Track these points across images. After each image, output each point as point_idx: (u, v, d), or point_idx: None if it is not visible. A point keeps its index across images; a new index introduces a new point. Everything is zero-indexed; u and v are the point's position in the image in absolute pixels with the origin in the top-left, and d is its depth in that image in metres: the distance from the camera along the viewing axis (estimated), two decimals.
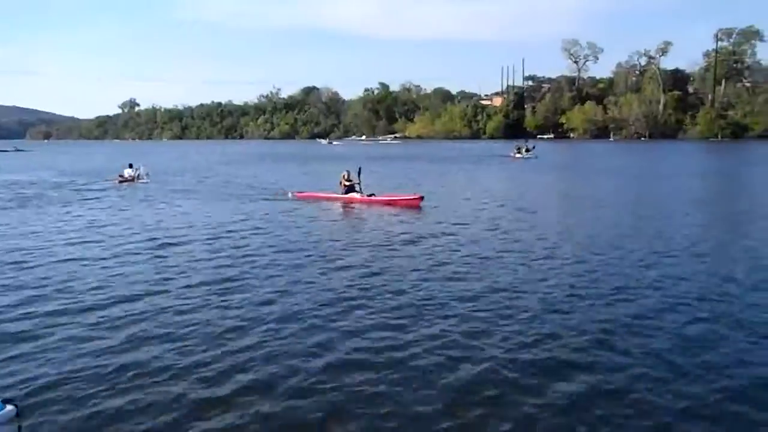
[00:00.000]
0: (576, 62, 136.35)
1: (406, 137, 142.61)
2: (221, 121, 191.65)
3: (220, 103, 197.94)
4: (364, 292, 9.49)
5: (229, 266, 11.26)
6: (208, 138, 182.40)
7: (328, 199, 21.86)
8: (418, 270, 10.89)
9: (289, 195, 23.02)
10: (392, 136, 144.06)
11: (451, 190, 26.63)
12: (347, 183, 21.62)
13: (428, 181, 31.12)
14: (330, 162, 50.23)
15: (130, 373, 6.38)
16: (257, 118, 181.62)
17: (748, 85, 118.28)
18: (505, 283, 9.99)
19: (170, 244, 13.62)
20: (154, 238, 14.34)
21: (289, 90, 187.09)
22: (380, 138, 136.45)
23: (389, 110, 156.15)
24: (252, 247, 13.14)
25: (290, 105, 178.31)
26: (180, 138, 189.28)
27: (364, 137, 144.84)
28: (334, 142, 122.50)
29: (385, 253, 12.47)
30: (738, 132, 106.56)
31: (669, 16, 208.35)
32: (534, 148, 55.90)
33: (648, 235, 14.27)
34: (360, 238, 14.38)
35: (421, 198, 20.06)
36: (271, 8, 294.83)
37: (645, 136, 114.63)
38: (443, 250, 12.71)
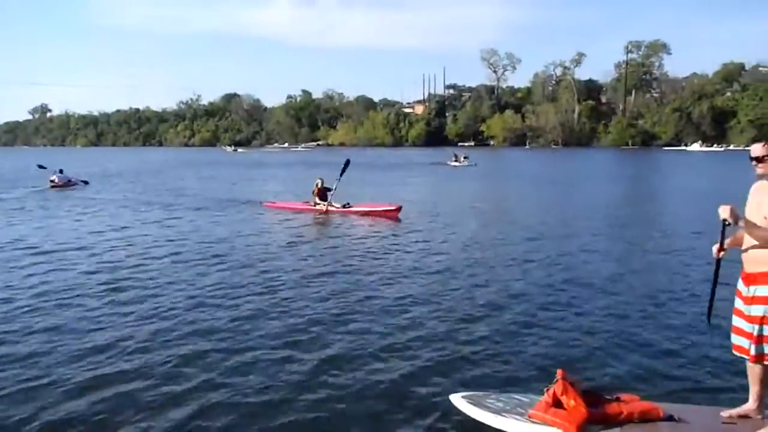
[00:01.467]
0: (495, 72, 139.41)
1: (328, 145, 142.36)
2: (139, 128, 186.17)
3: (137, 110, 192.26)
4: (337, 316, 8.35)
5: (180, 282, 10.21)
6: (125, 145, 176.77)
7: (300, 209, 20.49)
8: (400, 286, 10.03)
9: (259, 205, 21.81)
10: (314, 143, 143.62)
11: (418, 199, 25.08)
12: (321, 192, 20.08)
13: (384, 189, 29.92)
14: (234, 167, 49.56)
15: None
16: (177, 125, 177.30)
17: (656, 95, 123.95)
18: (518, 291, 9.48)
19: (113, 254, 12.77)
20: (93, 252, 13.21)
21: (209, 97, 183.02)
22: (291, 146, 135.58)
23: (312, 117, 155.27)
24: (210, 265, 11.62)
25: (211, 112, 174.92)
26: (95, 145, 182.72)
27: (286, 144, 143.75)
28: (239, 150, 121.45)
29: (363, 271, 11.21)
30: (647, 140, 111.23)
31: (582, 28, 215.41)
32: (467, 157, 56.50)
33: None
34: (331, 254, 13.01)
35: (399, 208, 19.04)
36: (191, 13, 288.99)
37: (558, 144, 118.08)
38: (429, 263, 11.84)
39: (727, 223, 4.34)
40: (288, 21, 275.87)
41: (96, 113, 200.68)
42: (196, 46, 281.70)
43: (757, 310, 4.38)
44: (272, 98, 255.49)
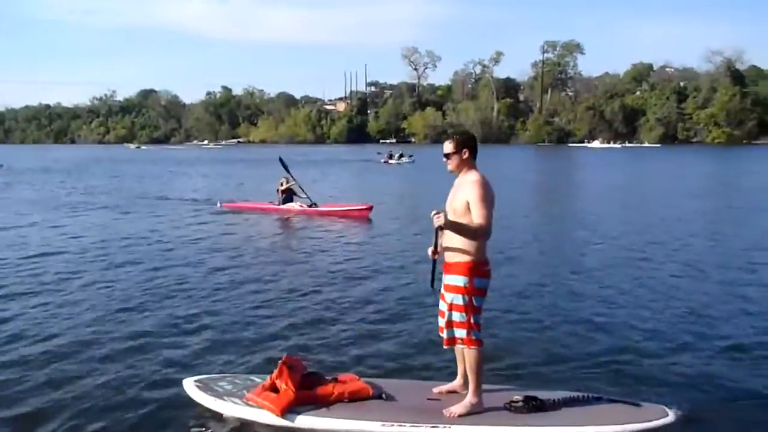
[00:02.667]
0: (416, 69, 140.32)
1: (249, 142, 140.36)
2: (50, 125, 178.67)
3: (48, 105, 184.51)
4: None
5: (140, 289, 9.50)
6: (35, 142, 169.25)
7: (262, 209, 19.53)
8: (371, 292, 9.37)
9: (217, 205, 20.50)
10: (235, 140, 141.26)
11: (376, 198, 22.41)
12: (285, 191, 19.19)
13: (330, 188, 28.54)
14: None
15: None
16: (90, 122, 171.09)
17: (571, 94, 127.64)
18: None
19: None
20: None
21: (125, 92, 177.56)
22: (203, 143, 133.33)
23: (232, 114, 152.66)
24: (158, 275, 10.56)
25: (127, 108, 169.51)
26: (2, 142, 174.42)
27: (206, 141, 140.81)
28: (142, 147, 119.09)
29: (333, 279, 10.28)
30: (563, 137, 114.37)
31: (501, 27, 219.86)
32: (403, 155, 54.94)
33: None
34: (299, 258, 12.22)
35: (371, 207, 18.00)
36: (101, 5, 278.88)
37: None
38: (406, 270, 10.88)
39: (439, 228, 4.57)
40: (206, 16, 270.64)
41: (2, 109, 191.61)
42: (109, 40, 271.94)
43: (447, 297, 4.74)
44: (191, 94, 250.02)
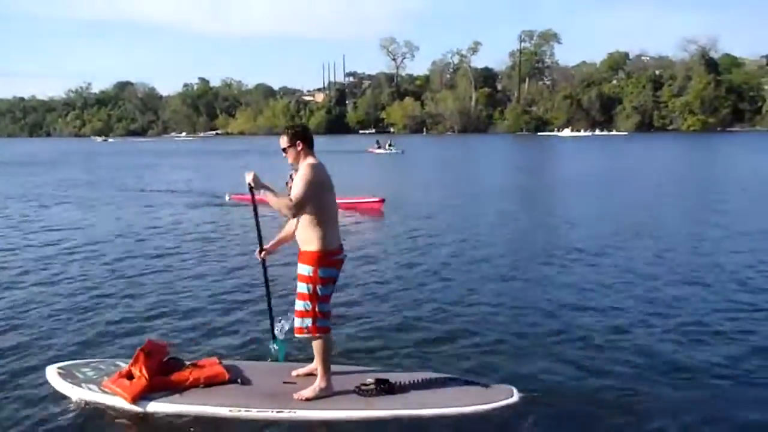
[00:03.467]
0: (394, 59, 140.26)
1: (228, 133, 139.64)
2: (24, 118, 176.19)
3: (22, 98, 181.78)
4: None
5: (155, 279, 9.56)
6: (10, 136, 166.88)
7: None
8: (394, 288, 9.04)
9: (226, 198, 20.04)
10: (213, 132, 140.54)
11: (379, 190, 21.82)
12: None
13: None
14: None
15: None
16: (66, 115, 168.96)
17: (548, 83, 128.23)
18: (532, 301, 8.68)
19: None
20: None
21: (101, 85, 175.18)
22: (180, 135, 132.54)
23: (210, 106, 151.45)
24: (174, 261, 10.84)
25: (103, 101, 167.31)
26: None
27: (183, 134, 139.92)
28: (110, 140, 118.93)
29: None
30: (541, 126, 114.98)
31: (478, 17, 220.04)
32: (392, 144, 53.98)
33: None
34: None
35: (383, 200, 17.38)
36: None
37: (454, 131, 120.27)
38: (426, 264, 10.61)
39: (251, 186, 4.91)
40: (182, 7, 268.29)
41: None
42: (84, 31, 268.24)
43: (298, 287, 4.87)
44: (168, 86, 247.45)
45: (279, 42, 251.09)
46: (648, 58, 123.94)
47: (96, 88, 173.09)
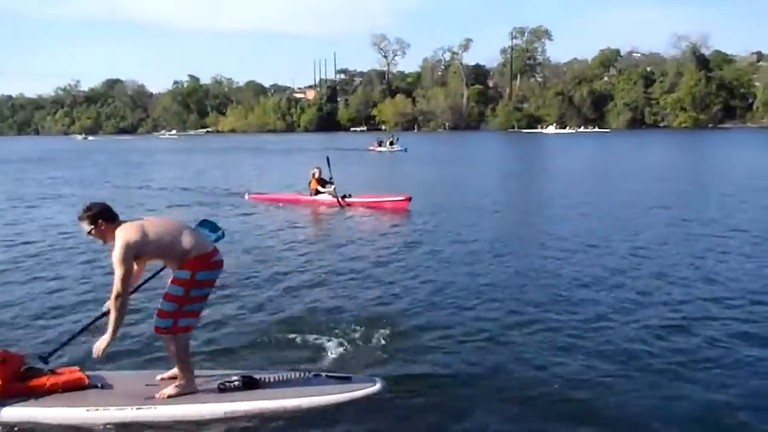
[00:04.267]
0: (385, 57, 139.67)
1: (218, 131, 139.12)
2: (12, 116, 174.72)
3: (10, 96, 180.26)
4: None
5: None
6: None
7: (292, 201, 18.46)
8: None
9: (245, 197, 19.42)
10: (204, 130, 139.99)
11: (398, 188, 20.60)
12: (318, 182, 17.98)
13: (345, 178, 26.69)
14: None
15: None
16: (55, 113, 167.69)
17: (540, 80, 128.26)
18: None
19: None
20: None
21: (90, 82, 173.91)
22: (170, 133, 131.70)
23: (200, 104, 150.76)
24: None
25: (92, 98, 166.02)
26: None
27: (174, 131, 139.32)
28: (89, 138, 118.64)
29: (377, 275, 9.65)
30: (532, 123, 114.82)
31: (469, 14, 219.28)
32: (393, 142, 51.47)
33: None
34: (335, 255, 11.22)
35: (409, 199, 16.79)
36: None
37: (445, 128, 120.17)
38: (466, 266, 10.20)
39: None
40: (171, 3, 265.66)
41: None
42: (72, 29, 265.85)
43: (167, 288, 4.88)
44: (158, 84, 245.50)
45: (270, 39, 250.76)
46: (639, 54, 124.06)
47: (85, 86, 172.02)
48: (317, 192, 17.93)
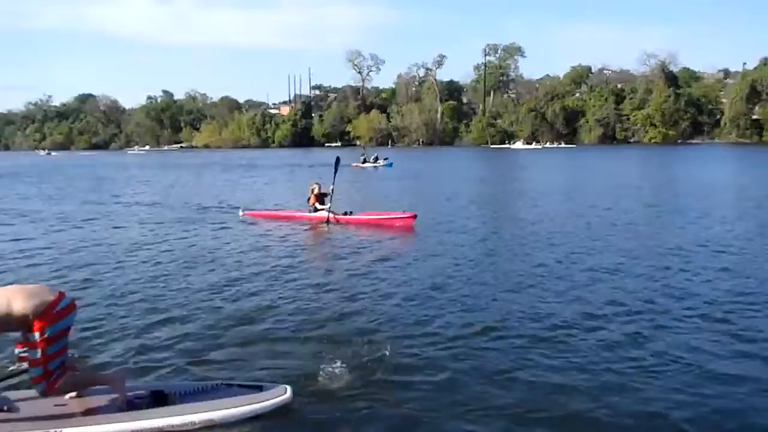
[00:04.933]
0: (360, 73, 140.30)
1: (192, 147, 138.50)
2: None
3: None
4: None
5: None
6: None
7: (289, 218, 17.75)
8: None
9: (240, 213, 18.73)
10: (177, 145, 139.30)
11: (398, 206, 19.81)
12: (318, 198, 17.31)
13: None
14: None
15: None
16: (25, 128, 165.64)
17: (513, 96, 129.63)
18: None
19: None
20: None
21: (62, 97, 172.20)
22: (142, 149, 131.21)
23: (174, 119, 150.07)
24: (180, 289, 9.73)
25: (64, 114, 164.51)
26: None
27: (147, 147, 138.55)
28: (53, 153, 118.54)
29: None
30: (506, 139, 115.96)
31: (443, 31, 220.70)
32: (377, 158, 50.63)
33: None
34: (337, 278, 10.51)
35: (414, 216, 16.29)
36: (31, 8, 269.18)
37: (419, 143, 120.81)
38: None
39: None
40: (144, 17, 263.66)
41: None
42: (44, 43, 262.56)
43: (27, 352, 4.77)
44: (131, 99, 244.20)
45: (245, 54, 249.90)
46: (609, 71, 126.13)
47: (57, 101, 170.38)
48: (316, 209, 17.33)
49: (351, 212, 17.07)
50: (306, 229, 16.35)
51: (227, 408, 4.98)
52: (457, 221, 17.32)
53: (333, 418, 5.17)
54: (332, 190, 17.26)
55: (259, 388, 5.26)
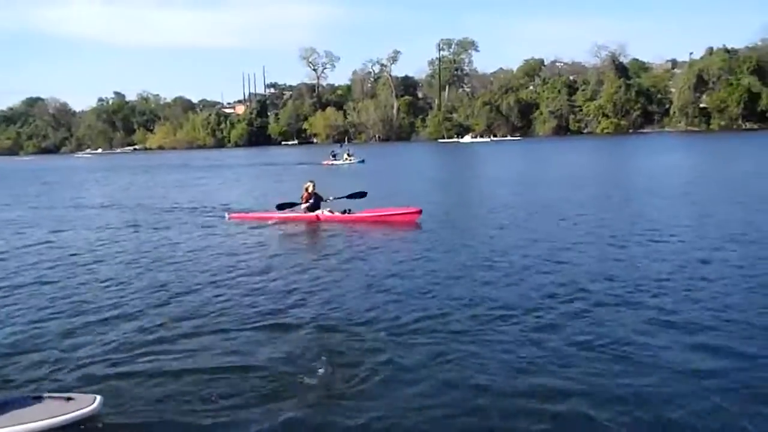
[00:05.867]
0: (315, 70, 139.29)
1: (146, 148, 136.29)
2: None
3: None
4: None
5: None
6: None
7: (282, 219, 16.95)
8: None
9: (225, 217, 17.96)
10: (131, 148, 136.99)
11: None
12: (311, 197, 16.80)
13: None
14: None
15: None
16: None
17: (468, 90, 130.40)
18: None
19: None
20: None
21: (8, 101, 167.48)
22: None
23: (127, 121, 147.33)
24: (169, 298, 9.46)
25: (11, 118, 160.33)
26: None
27: (99, 150, 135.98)
28: None
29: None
30: (462, 132, 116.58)
31: (397, 27, 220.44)
32: (351, 154, 49.30)
33: None
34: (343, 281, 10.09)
35: (420, 211, 15.79)
36: None
37: (377, 139, 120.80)
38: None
39: None
40: (91, 18, 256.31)
41: None
42: None
43: None
44: (82, 101, 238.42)
45: (197, 53, 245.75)
46: (562, 64, 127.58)
47: (3, 105, 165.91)
48: (313, 207, 16.80)
49: (349, 210, 16.48)
50: (296, 230, 15.96)
51: (33, 421, 4.84)
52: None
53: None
54: (330, 199, 16.94)
55: (68, 399, 5.14)
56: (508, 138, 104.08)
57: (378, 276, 10.12)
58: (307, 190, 17.00)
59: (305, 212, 16.83)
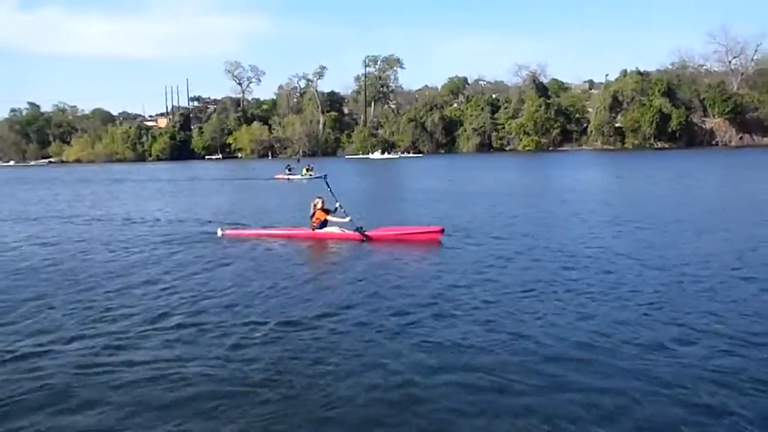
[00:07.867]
0: (240, 84, 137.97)
1: (62, 161, 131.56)
2: None
3: None
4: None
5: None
6: None
7: (287, 236, 15.98)
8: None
9: (218, 233, 16.60)
10: (46, 160, 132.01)
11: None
12: (325, 213, 15.72)
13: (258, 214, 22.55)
14: None
15: None
16: None
17: (393, 106, 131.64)
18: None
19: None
20: None
21: None
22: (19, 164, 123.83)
23: (41, 133, 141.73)
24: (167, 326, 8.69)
25: None
26: None
27: (12, 162, 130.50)
28: None
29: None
30: (387, 149, 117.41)
31: (322, 42, 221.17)
32: (311, 168, 47.11)
33: None
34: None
35: (442, 230, 15.04)
36: None
37: (302, 154, 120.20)
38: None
39: None
40: (7, 27, 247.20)
41: None
42: None
43: None
44: None
45: (118, 64, 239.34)
46: (485, 82, 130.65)
47: None
48: (323, 224, 15.77)
49: (362, 228, 15.39)
50: (307, 248, 14.98)
51: None
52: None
53: None
54: (339, 206, 15.94)
55: None
56: (411, 155, 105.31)
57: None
58: (315, 206, 15.85)
59: (316, 229, 15.84)
